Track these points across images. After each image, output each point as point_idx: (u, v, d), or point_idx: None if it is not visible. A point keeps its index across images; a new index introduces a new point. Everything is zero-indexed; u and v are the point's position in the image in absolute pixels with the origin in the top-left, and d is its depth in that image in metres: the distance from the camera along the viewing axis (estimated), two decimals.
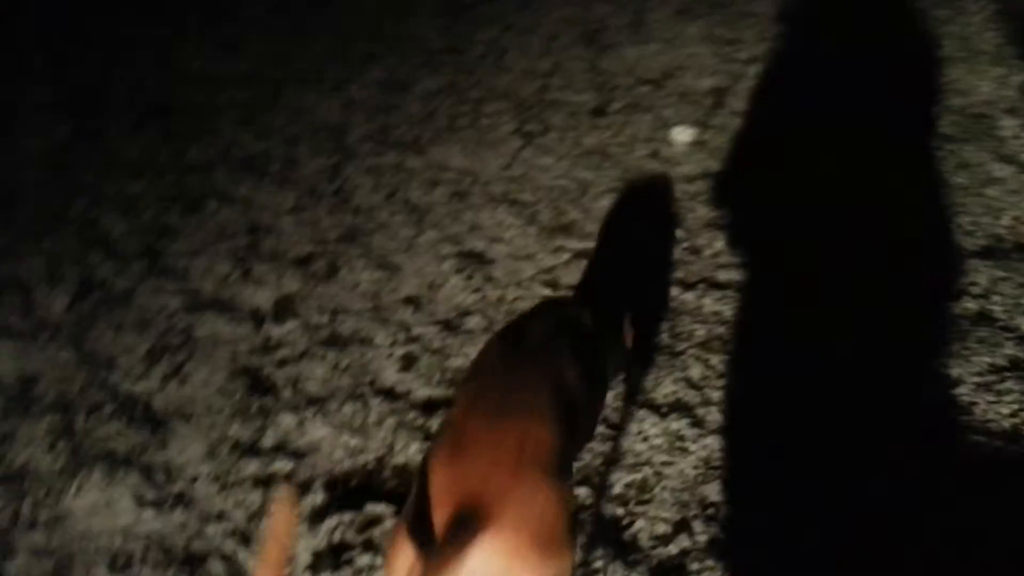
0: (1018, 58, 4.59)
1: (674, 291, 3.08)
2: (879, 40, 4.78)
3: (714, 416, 2.53)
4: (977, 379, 2.60)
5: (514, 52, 4.89)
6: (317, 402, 2.58)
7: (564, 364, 1.69)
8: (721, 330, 2.88)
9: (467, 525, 1.28)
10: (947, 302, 2.98)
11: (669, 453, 2.40)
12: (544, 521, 1.36)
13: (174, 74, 4.48)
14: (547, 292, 3.10)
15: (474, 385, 1.64)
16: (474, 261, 3.27)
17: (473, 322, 2.94)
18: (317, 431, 2.48)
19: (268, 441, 2.44)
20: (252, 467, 2.35)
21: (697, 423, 2.50)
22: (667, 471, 2.34)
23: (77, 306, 3.00)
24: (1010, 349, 2.67)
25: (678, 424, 2.49)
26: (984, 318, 2.87)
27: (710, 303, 3.01)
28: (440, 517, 1.32)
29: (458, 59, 4.81)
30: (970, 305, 2.89)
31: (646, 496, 2.27)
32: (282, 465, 2.33)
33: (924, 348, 2.78)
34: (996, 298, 2.95)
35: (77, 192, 3.59)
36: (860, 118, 3.88)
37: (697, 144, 4.00)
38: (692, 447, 2.42)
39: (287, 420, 2.51)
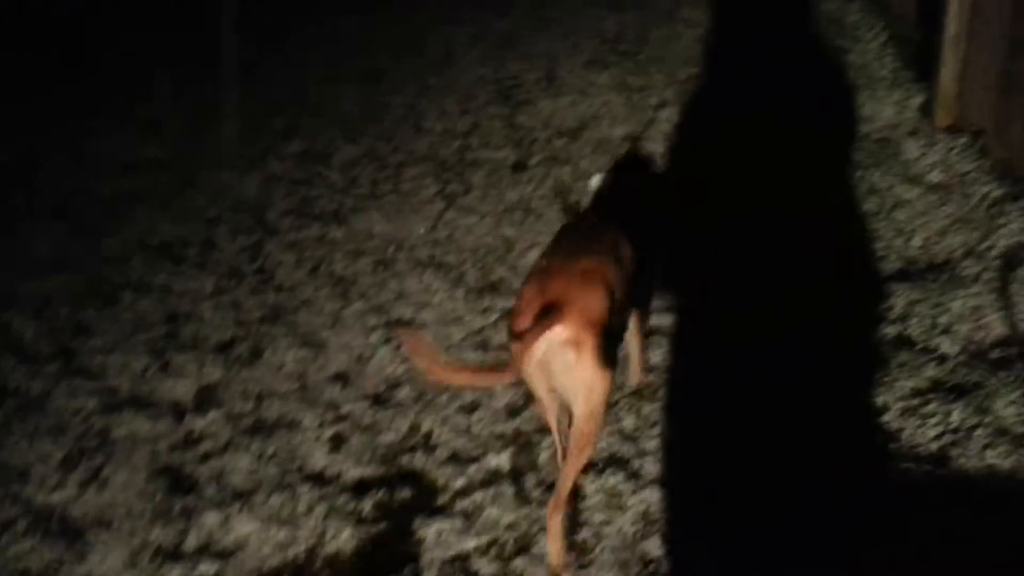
0: (914, 81, 4.79)
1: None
2: (782, 74, 4.94)
3: (650, 467, 2.51)
4: (902, 404, 2.63)
5: (432, 114, 4.92)
6: (242, 496, 2.49)
7: (622, 241, 2.37)
8: (651, 377, 2.88)
9: (547, 315, 2.00)
10: (866, 328, 3.03)
11: (607, 511, 2.37)
12: (600, 321, 2.05)
13: (88, 165, 4.40)
14: (477, 355, 3.08)
15: (557, 239, 2.45)
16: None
17: (403, 393, 2.89)
18: (243, 527, 2.38)
19: (191, 543, 2.34)
20: (176, 573, 2.24)
21: (633, 476, 2.47)
22: (605, 530, 2.30)
23: None
24: (931, 371, 2.71)
25: (614, 479, 2.46)
26: (903, 341, 2.93)
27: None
28: (528, 316, 2.05)
29: (377, 125, 4.82)
30: (888, 330, 2.94)
31: (587, 559, 2.22)
32: (207, 568, 2.23)
33: (847, 378, 2.81)
34: (913, 320, 3.01)
35: None
36: (769, 152, 3.98)
37: None
38: (630, 502, 2.39)
39: (211, 518, 2.41)
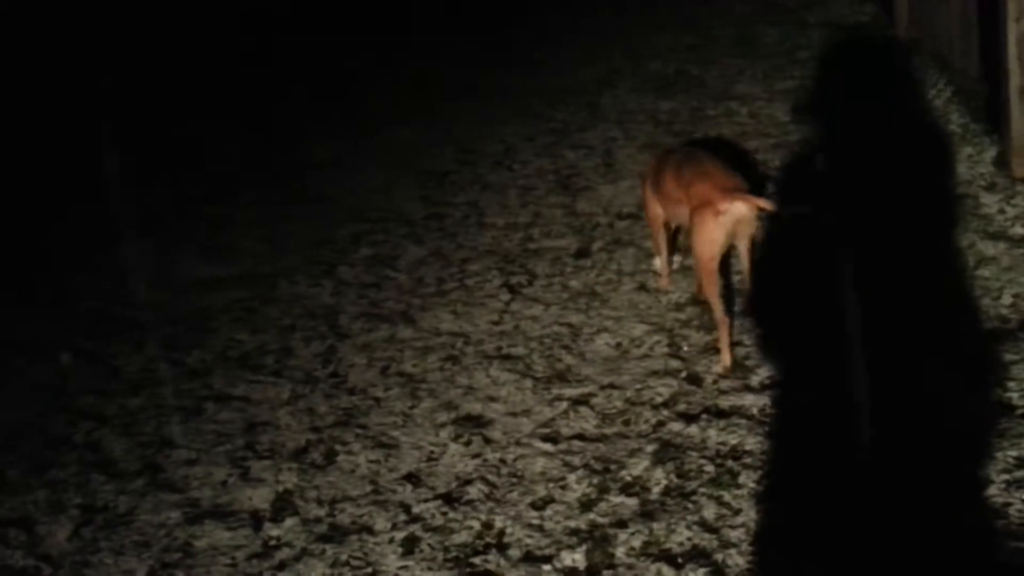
0: (984, 134, 4.65)
1: (676, 426, 3.00)
2: (846, 140, 4.88)
3: (735, 560, 2.38)
4: (1006, 476, 2.45)
5: (494, 209, 5.02)
6: None
7: None
8: (731, 463, 2.77)
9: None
10: (963, 396, 2.87)
11: None
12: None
13: (172, 286, 4.64)
14: (547, 446, 3.03)
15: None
16: (471, 425, 3.21)
17: (474, 491, 2.86)
18: None
19: None
20: None
21: (717, 571, 2.35)
22: None
23: (79, 534, 2.97)
24: None
25: (696, 574, 2.34)
26: (1003, 407, 2.75)
27: (715, 435, 2.92)
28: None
29: (440, 225, 4.94)
30: (986, 395, 2.77)
31: None
32: None
33: (946, 449, 2.64)
34: (1011, 384, 2.84)
35: (79, 417, 3.63)
36: (844, 214, 3.88)
37: (682, 270, 4.01)
38: None
39: None
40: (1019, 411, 2.71)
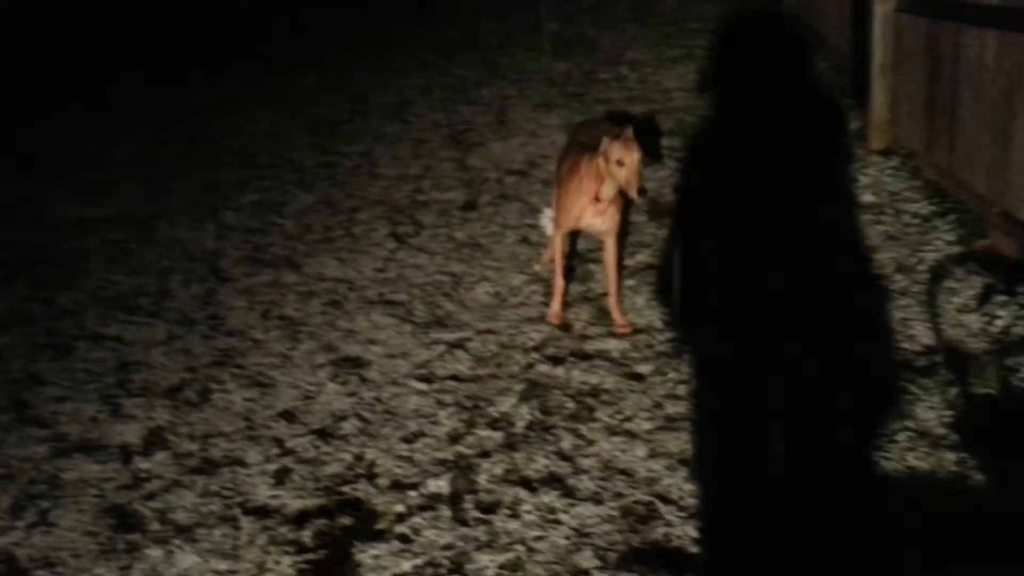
0: (849, 108, 4.98)
1: (544, 368, 3.17)
2: (731, 103, 5.13)
3: (585, 484, 2.57)
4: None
5: (386, 160, 5.06)
6: (185, 531, 2.52)
7: None
8: (590, 400, 2.96)
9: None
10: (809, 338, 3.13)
11: (542, 527, 2.42)
12: None
13: (44, 224, 4.49)
14: (422, 386, 3.15)
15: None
16: (349, 366, 3.30)
17: (348, 426, 2.95)
18: (186, 560, 2.42)
19: None
20: None
21: (568, 493, 2.54)
22: (539, 545, 2.36)
23: None
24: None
25: (548, 497, 2.52)
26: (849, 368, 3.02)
27: (578, 375, 3.10)
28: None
29: (331, 173, 4.95)
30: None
31: (518, 574, 2.28)
32: None
33: (781, 386, 2.89)
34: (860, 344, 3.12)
35: None
36: (710, 177, 4.11)
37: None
38: (564, 517, 2.45)
39: (155, 553, 2.44)
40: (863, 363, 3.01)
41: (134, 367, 3.39)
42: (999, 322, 2.97)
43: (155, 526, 2.57)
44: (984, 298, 3.15)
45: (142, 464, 2.85)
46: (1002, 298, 3.05)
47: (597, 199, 3.18)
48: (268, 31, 7.69)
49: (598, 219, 3.26)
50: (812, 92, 5.37)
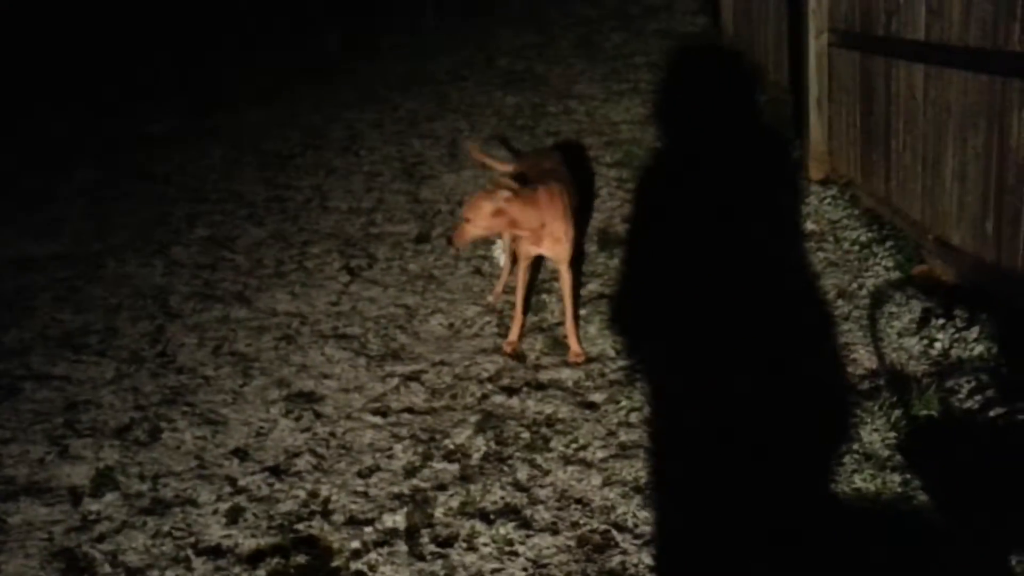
0: (788, 140, 5.16)
1: (499, 399, 3.19)
2: (675, 135, 5.26)
3: (542, 515, 2.59)
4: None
5: (338, 193, 5.07)
6: (137, 573, 2.47)
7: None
8: (545, 430, 2.98)
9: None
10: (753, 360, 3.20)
11: (499, 559, 2.43)
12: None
13: None
14: (377, 420, 3.14)
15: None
16: (303, 401, 3.28)
17: (302, 462, 2.93)
18: None
19: None
20: None
21: (525, 524, 2.55)
22: None
23: None
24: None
25: (505, 528, 2.53)
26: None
27: (533, 405, 3.13)
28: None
29: (283, 207, 4.94)
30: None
31: None
32: None
33: (731, 406, 2.96)
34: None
35: None
36: (659, 206, 4.20)
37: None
38: (521, 549, 2.46)
39: None
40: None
41: (82, 407, 3.33)
42: (938, 345, 3.09)
43: (106, 569, 2.51)
44: (923, 322, 3.27)
45: (91, 506, 2.79)
46: (940, 321, 3.17)
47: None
48: (214, 65, 7.68)
49: (541, 246, 3.33)
50: (753, 124, 5.54)
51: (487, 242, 4.34)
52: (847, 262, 3.93)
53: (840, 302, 3.60)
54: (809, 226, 4.32)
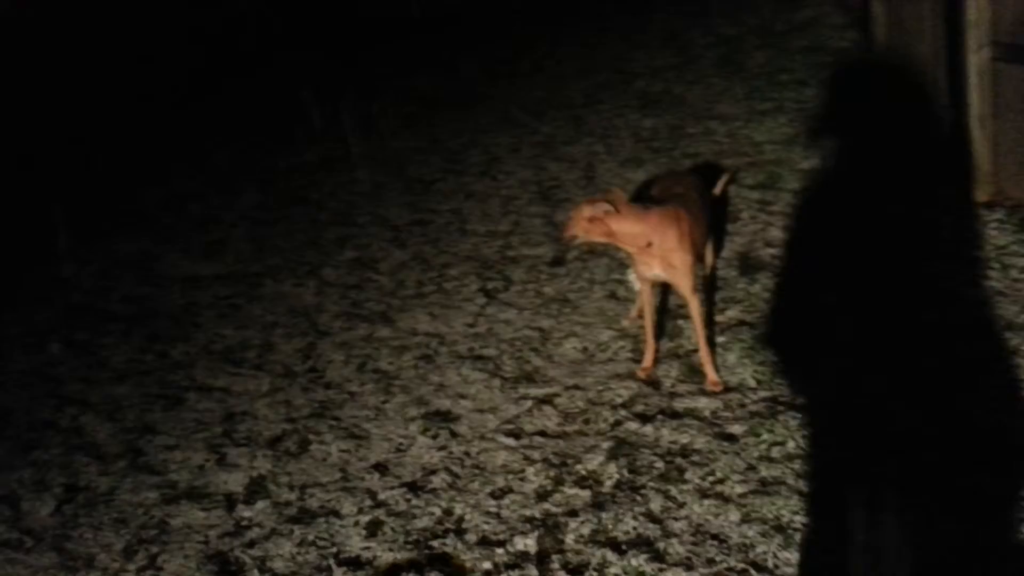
0: (949, 159, 4.84)
1: (632, 425, 3.15)
2: (825, 156, 5.06)
3: (675, 548, 2.54)
4: None
5: (476, 217, 5.20)
6: None
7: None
8: (680, 460, 2.92)
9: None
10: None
11: None
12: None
13: (160, 280, 4.81)
14: (510, 441, 3.18)
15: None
16: (440, 419, 3.37)
17: (438, 480, 3.01)
18: None
19: None
20: None
21: (657, 557, 2.51)
22: None
23: (61, 510, 3.11)
24: None
25: (637, 560, 2.50)
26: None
27: (668, 434, 3.08)
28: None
29: (424, 230, 5.12)
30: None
31: None
32: None
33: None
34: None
35: (66, 402, 3.79)
36: (817, 238, 4.04)
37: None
38: None
39: None
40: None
41: (239, 417, 3.56)
42: None
43: (255, 574, 2.67)
44: None
45: (244, 512, 2.98)
46: None
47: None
48: (357, 95, 8.09)
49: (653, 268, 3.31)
50: (908, 143, 5.23)
51: (623, 266, 4.32)
52: (1015, 291, 3.63)
53: (1009, 334, 3.32)
54: (972, 252, 4.03)
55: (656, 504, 2.73)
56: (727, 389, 3.27)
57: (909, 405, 2.92)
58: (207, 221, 5.62)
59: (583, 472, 2.94)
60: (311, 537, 2.80)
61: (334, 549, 2.74)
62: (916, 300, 3.61)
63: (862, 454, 2.76)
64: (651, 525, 2.64)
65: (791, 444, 2.86)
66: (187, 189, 6.23)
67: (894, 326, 3.44)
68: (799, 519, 2.54)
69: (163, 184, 6.33)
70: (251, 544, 2.81)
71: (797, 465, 2.76)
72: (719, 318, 3.78)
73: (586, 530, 2.66)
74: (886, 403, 2.96)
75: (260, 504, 3.00)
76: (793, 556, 2.41)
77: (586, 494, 2.83)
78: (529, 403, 3.40)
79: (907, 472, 2.63)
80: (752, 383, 3.29)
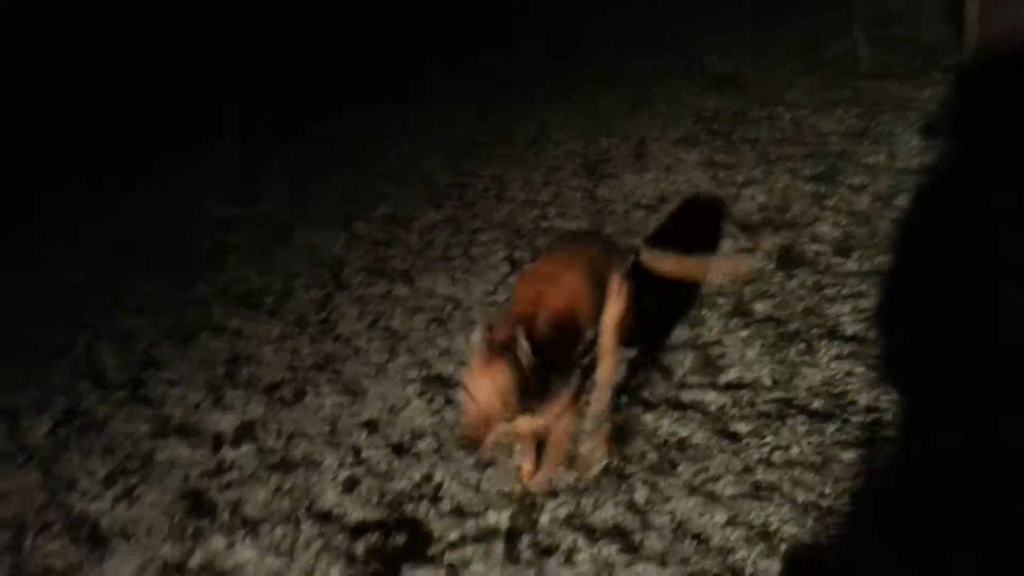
0: None
1: (633, 411, 3.01)
2: (893, 154, 4.75)
3: (651, 542, 2.40)
4: None
5: (516, 184, 5.07)
6: (251, 524, 2.59)
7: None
8: (674, 453, 2.77)
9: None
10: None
11: None
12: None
13: (195, 221, 4.85)
14: None
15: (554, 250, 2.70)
16: (439, 384, 3.29)
17: (424, 444, 2.93)
18: (244, 553, 2.47)
19: (195, 561, 2.45)
20: None
21: (631, 548, 2.37)
22: None
23: (56, 432, 3.16)
24: None
25: (608, 549, 2.37)
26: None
27: (667, 424, 2.92)
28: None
29: (461, 193, 5.02)
30: None
31: None
32: None
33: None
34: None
35: (81, 331, 3.85)
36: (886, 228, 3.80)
37: None
38: (621, 573, 2.29)
39: (218, 542, 2.52)
40: None
41: (244, 360, 3.55)
42: None
43: (225, 516, 2.65)
44: None
45: (228, 454, 2.96)
46: None
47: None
48: (419, 65, 8.03)
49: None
50: (994, 145, 4.86)
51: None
52: None
53: None
54: None
55: (640, 495, 2.59)
56: (740, 385, 3.08)
57: (943, 423, 2.69)
58: (249, 175, 5.65)
59: (572, 453, 2.82)
60: (287, 486, 2.76)
61: (307, 501, 2.69)
62: (973, 315, 3.34)
63: (875, 472, 2.56)
64: (631, 516, 2.50)
65: (795, 450, 2.68)
66: (234, 144, 6.30)
67: (943, 344, 3.19)
68: (787, 529, 2.36)
69: (215, 135, 6.42)
70: (228, 486, 2.79)
71: (796, 473, 2.57)
72: (748, 309, 3.57)
73: (563, 512, 2.54)
74: (918, 419, 2.74)
75: (245, 447, 2.98)
76: (774, 566, 2.25)
77: (570, 476, 2.71)
78: None
79: (921, 494, 2.43)
80: (767, 382, 3.09)
